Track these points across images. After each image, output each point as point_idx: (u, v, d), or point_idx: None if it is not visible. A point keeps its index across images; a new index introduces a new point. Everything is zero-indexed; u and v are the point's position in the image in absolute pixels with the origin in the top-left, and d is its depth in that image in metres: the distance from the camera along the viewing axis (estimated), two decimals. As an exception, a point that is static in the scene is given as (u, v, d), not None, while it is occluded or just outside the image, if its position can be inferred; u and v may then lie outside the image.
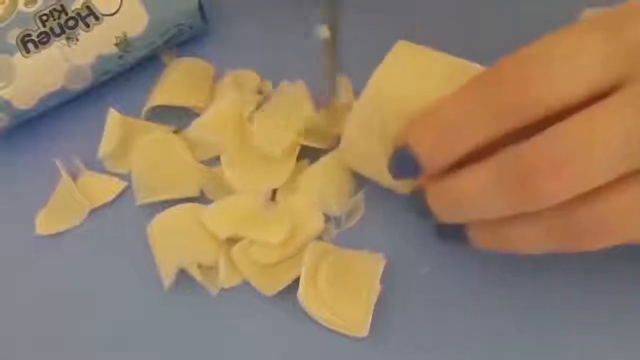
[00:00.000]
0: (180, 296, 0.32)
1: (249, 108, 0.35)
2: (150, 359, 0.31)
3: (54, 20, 0.35)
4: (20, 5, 0.35)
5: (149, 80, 0.37)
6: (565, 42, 0.23)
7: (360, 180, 0.33)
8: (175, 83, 0.36)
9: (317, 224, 0.32)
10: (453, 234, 0.28)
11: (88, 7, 0.35)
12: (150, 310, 0.32)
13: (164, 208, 0.33)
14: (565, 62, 0.23)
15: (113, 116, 0.35)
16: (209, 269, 0.32)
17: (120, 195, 0.35)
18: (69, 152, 0.36)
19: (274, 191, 0.34)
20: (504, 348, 0.30)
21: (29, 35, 0.35)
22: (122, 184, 0.35)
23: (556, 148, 0.22)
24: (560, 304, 0.31)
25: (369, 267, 0.31)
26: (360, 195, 0.33)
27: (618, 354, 0.30)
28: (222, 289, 0.32)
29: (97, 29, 0.35)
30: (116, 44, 0.36)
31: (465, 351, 0.30)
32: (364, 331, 0.30)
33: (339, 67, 0.31)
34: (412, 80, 0.28)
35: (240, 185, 0.33)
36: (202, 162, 0.35)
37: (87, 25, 0.35)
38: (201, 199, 0.34)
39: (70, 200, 0.34)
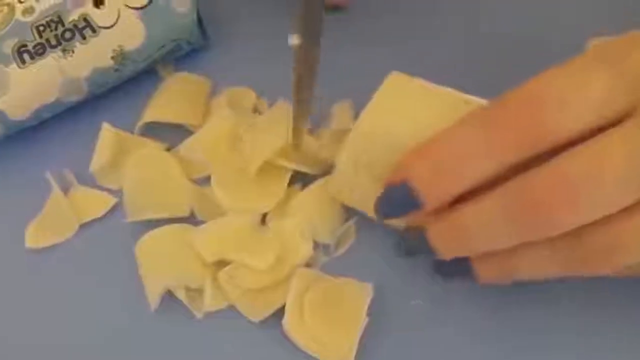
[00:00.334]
0: (167, 316, 0.32)
1: (243, 127, 0.34)
2: (133, 379, 0.31)
3: (51, 31, 0.34)
4: (18, 14, 0.35)
5: (145, 94, 0.37)
6: (572, 77, 0.23)
7: (351, 208, 0.33)
8: (170, 99, 0.36)
9: (305, 251, 0.32)
10: (456, 269, 0.28)
11: (85, 19, 0.35)
12: (135, 330, 0.32)
13: (154, 225, 0.33)
14: (573, 98, 0.23)
15: (106, 130, 0.35)
16: (196, 292, 0.32)
17: (111, 211, 0.35)
18: (62, 164, 0.36)
19: (264, 215, 0.33)
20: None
21: (25, 45, 0.34)
22: (113, 200, 0.35)
23: (566, 177, 0.22)
24: (557, 332, 0.30)
25: (357, 296, 0.31)
26: (351, 223, 0.33)
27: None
28: (209, 313, 0.32)
29: (94, 42, 0.35)
30: (112, 57, 0.35)
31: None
32: (348, 362, 0.30)
33: (314, 85, 0.27)
34: (404, 114, 0.28)
35: (230, 206, 0.33)
36: (194, 180, 0.34)
37: (84, 38, 0.35)
38: (191, 219, 0.34)
39: (60, 214, 0.34)
